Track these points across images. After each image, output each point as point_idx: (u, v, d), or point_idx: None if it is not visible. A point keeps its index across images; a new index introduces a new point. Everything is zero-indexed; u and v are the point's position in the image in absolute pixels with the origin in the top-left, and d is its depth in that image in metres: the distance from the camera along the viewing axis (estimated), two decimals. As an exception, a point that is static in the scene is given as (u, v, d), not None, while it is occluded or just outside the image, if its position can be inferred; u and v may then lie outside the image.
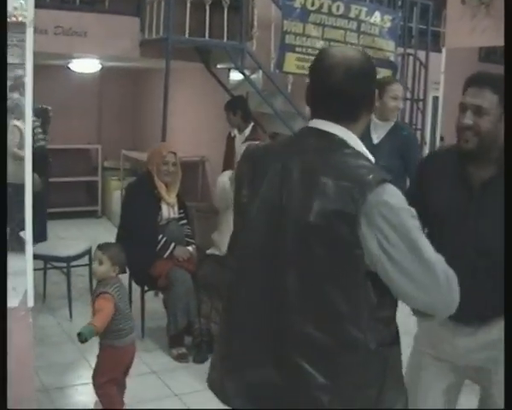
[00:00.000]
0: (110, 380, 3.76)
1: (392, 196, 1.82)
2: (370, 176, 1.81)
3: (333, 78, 1.92)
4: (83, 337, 3.51)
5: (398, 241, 1.78)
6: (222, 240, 4.99)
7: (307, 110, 6.91)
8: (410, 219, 1.83)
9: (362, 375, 1.85)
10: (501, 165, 2.47)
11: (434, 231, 2.42)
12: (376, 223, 1.78)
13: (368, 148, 4.52)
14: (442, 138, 5.53)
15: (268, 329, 1.91)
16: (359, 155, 1.93)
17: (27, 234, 2.49)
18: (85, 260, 5.97)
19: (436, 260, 1.83)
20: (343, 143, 1.92)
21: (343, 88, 1.92)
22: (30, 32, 2.57)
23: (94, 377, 3.79)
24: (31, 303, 2.62)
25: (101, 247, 3.88)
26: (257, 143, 2.17)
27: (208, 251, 5.18)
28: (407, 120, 7.91)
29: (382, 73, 7.30)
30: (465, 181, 2.54)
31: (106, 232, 8.95)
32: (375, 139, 4.57)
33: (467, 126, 2.46)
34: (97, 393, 3.79)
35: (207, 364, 4.72)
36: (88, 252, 5.94)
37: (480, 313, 2.52)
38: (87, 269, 6.01)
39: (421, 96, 8.38)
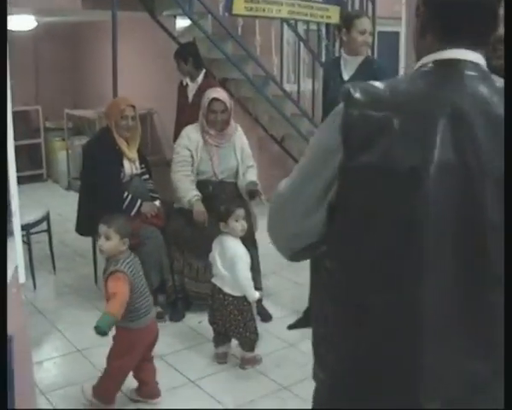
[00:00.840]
0: (123, 366, 3.49)
1: None
2: None
3: None
4: (101, 331, 3.17)
5: None
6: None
7: (258, 50, 6.75)
8: None
9: None
10: None
11: None
12: None
13: (339, 84, 4.43)
14: None
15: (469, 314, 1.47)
16: None
17: (13, 205, 2.27)
18: (43, 226, 5.71)
19: None
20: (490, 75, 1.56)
21: (487, 4, 1.53)
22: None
23: (108, 358, 3.52)
24: (22, 279, 2.42)
25: (105, 221, 3.51)
26: (363, 85, 1.59)
27: (175, 205, 4.99)
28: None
29: (331, 9, 7.18)
30: None
31: (53, 195, 8.72)
32: (346, 76, 4.43)
33: (500, 39, 2.28)
34: (105, 370, 3.53)
35: (184, 321, 4.69)
36: (46, 218, 5.69)
37: None
38: (45, 235, 5.78)
39: (369, 32, 8.27)
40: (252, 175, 4.99)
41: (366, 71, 4.38)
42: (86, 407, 3.59)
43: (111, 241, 3.44)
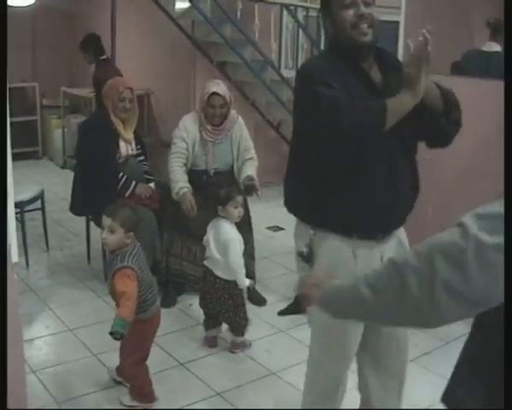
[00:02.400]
0: (140, 359, 3.41)
1: None
2: None
3: None
4: (118, 335, 3.03)
5: None
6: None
7: (257, 35, 6.76)
8: None
9: None
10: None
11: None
12: None
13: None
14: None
15: None
16: None
17: (7, 184, 2.27)
18: (37, 204, 5.71)
19: None
20: None
21: None
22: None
23: (122, 356, 3.44)
24: (15, 258, 2.42)
25: (109, 213, 3.30)
26: None
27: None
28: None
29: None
30: (369, 82, 2.48)
31: (49, 173, 8.71)
32: None
33: (365, 16, 2.39)
34: (126, 375, 3.47)
35: (176, 306, 4.69)
36: (40, 196, 5.70)
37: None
38: (39, 213, 5.79)
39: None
40: (249, 169, 4.85)
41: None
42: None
43: (115, 234, 3.25)
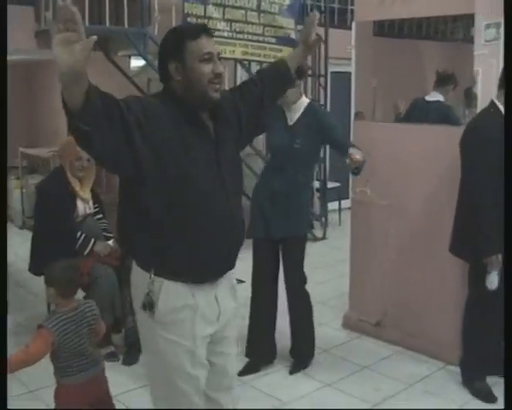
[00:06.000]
0: None
1: None
2: None
3: None
4: None
5: None
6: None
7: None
8: None
9: None
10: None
11: (186, 194, 2.43)
12: None
13: (283, 129, 4.47)
14: (357, 114, 5.42)
15: None
16: None
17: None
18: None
19: None
20: None
21: None
22: None
23: None
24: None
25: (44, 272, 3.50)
26: None
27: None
28: (309, 96, 7.96)
29: (284, 50, 7.33)
30: (205, 130, 2.54)
31: (8, 234, 8.58)
32: (290, 121, 4.46)
33: (221, 74, 2.49)
34: None
35: (139, 363, 4.64)
36: (-1, 259, 5.64)
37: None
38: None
39: (322, 72, 8.46)
40: None
41: (310, 115, 4.43)
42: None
43: (49, 291, 3.39)
